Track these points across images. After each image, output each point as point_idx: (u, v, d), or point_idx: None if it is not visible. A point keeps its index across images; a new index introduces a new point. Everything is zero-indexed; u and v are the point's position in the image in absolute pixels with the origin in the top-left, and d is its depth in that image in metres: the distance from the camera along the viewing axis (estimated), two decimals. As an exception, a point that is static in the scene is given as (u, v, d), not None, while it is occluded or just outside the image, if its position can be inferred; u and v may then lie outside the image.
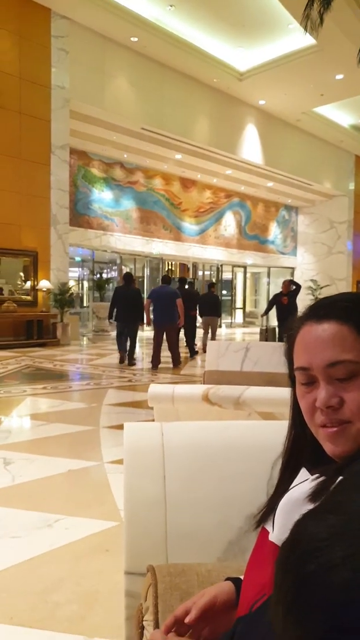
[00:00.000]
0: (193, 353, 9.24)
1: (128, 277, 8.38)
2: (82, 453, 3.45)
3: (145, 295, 10.95)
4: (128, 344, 8.14)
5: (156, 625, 0.81)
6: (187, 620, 0.71)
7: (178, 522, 1.01)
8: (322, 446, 0.66)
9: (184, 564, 0.92)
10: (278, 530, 0.68)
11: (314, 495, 0.63)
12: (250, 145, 16.12)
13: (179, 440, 1.09)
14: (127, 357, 8.06)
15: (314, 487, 0.64)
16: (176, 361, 7.90)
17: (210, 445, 1.08)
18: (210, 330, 10.07)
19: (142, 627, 0.85)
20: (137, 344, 8.64)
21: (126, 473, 1.06)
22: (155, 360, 7.70)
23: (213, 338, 9.87)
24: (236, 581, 0.76)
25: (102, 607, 1.72)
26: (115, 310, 8.04)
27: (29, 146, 10.59)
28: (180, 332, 8.57)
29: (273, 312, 9.69)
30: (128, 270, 16.73)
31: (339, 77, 13.44)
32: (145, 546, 1.00)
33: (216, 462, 1.05)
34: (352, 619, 0.33)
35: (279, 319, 9.64)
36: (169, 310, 7.69)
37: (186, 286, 9.62)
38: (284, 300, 9.18)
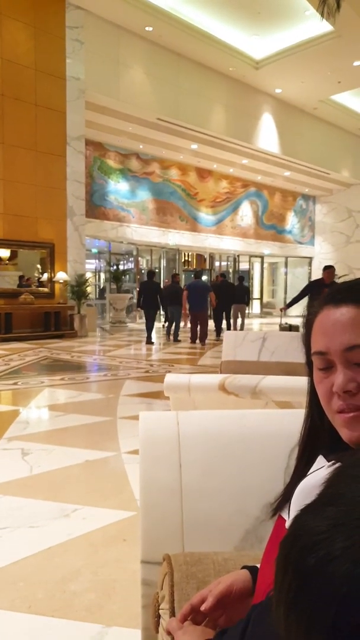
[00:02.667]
0: (219, 333, 11.01)
1: (151, 274, 10.13)
2: (99, 443, 3.47)
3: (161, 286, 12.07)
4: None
5: (172, 614, 0.80)
6: (203, 608, 0.71)
7: (194, 511, 0.99)
8: (339, 433, 0.65)
9: (200, 553, 0.90)
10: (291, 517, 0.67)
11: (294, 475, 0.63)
12: (267, 135, 15.91)
13: (194, 429, 1.08)
14: (150, 335, 9.90)
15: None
16: (203, 338, 10.01)
17: (227, 434, 1.06)
18: (240, 315, 12.00)
19: (159, 616, 0.84)
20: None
21: (142, 462, 1.05)
22: (194, 336, 10.03)
23: (243, 322, 12.09)
24: (253, 569, 0.76)
25: (120, 596, 1.72)
26: (142, 299, 9.83)
27: (45, 138, 10.62)
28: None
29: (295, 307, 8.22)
30: (145, 260, 16.80)
31: (357, 63, 13.13)
32: (162, 535, 0.99)
33: (233, 450, 1.03)
34: (355, 611, 0.32)
35: None
36: (202, 300, 9.84)
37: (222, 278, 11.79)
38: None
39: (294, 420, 1.09)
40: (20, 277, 10.84)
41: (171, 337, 10.43)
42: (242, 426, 1.07)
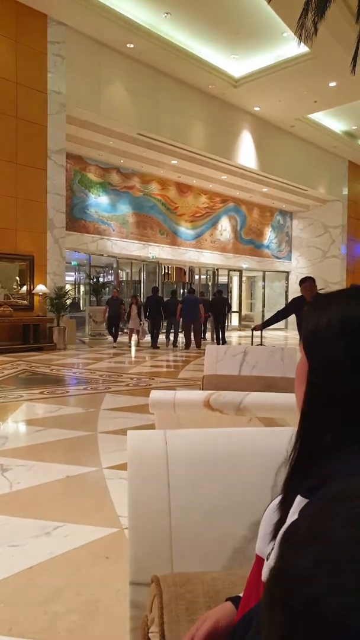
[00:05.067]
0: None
1: (155, 289, 12.44)
2: (80, 459, 3.43)
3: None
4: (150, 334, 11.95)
5: (162, 637, 0.81)
6: None
7: (183, 531, 1.00)
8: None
9: (189, 573, 0.91)
10: (259, 541, 0.69)
11: (281, 505, 0.63)
12: (246, 151, 16.20)
13: (182, 447, 1.09)
14: (154, 341, 11.80)
15: (281, 499, 0.64)
16: (198, 343, 11.71)
17: (214, 452, 1.08)
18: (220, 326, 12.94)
19: (148, 639, 0.84)
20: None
21: (130, 481, 1.05)
22: (188, 343, 11.66)
23: (224, 330, 12.93)
24: (237, 600, 0.76)
25: (104, 617, 1.70)
26: (148, 311, 11.93)
27: (26, 151, 10.60)
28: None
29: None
30: (125, 273, 16.84)
31: (332, 84, 13.55)
32: (150, 556, 0.99)
33: (220, 469, 1.05)
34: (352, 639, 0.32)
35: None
36: (194, 311, 11.53)
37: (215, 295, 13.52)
38: None
39: (280, 438, 1.11)
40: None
41: (170, 344, 12.41)
42: (229, 445, 1.08)
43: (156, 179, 16.35)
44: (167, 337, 12.55)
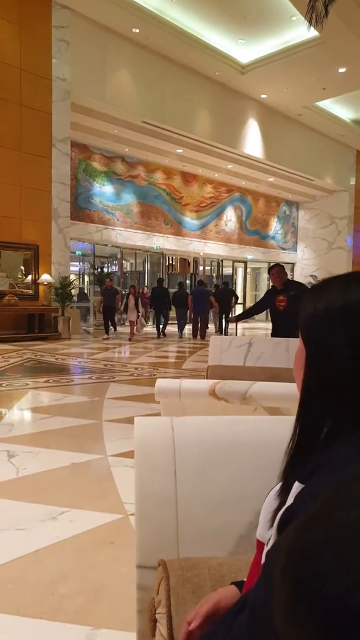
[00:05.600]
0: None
1: (160, 281, 12.97)
2: (85, 446, 3.46)
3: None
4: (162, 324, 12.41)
5: (169, 619, 0.82)
6: (190, 627, 0.73)
7: (189, 517, 1.02)
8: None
9: (195, 558, 0.93)
10: (260, 527, 0.70)
11: (281, 491, 0.64)
12: (252, 140, 16.07)
13: (189, 435, 1.10)
14: (162, 331, 12.37)
15: (281, 485, 0.65)
16: (203, 334, 12.12)
17: (221, 440, 1.09)
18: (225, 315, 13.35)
19: (155, 620, 0.86)
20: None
21: (137, 467, 1.07)
22: (195, 333, 12.24)
23: (227, 321, 13.15)
24: (241, 584, 0.77)
25: (109, 599, 1.73)
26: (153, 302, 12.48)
27: (30, 139, 10.55)
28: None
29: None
30: (130, 263, 16.83)
31: (342, 70, 13.37)
32: (157, 540, 1.01)
33: (227, 457, 1.06)
34: (350, 618, 0.33)
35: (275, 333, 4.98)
36: (203, 303, 12.05)
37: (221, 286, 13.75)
38: (280, 303, 4.77)
39: (286, 427, 1.12)
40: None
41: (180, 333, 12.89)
42: (236, 433, 1.10)
43: (161, 168, 16.27)
44: (179, 329, 12.87)
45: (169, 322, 12.92)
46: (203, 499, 1.03)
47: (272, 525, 0.63)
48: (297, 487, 0.60)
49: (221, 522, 1.01)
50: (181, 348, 10.10)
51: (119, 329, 12.70)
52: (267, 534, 0.66)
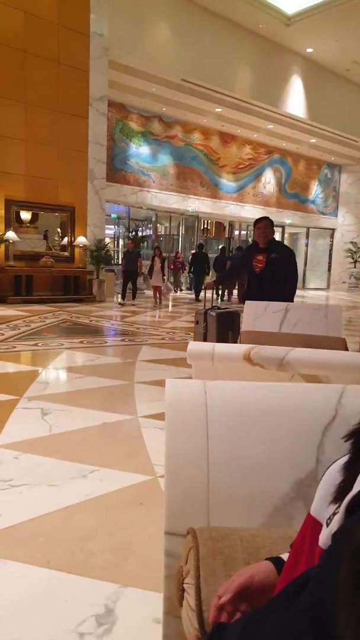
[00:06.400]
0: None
1: (200, 246, 13.32)
2: (116, 406, 3.49)
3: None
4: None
5: (197, 589, 0.79)
6: (221, 601, 0.70)
7: (221, 484, 0.97)
8: None
9: (226, 528, 0.88)
10: (317, 502, 0.64)
11: (347, 466, 0.58)
12: (294, 98, 15.31)
13: (222, 399, 1.04)
14: (197, 295, 12.64)
15: (348, 458, 0.59)
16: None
17: (257, 405, 1.02)
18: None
19: (183, 590, 0.82)
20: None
21: (168, 430, 1.02)
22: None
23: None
24: (276, 561, 0.73)
25: (136, 558, 1.74)
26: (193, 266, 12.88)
27: (67, 98, 10.36)
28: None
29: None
30: (164, 227, 16.67)
31: None
32: (186, 507, 0.97)
33: (263, 423, 0.99)
34: None
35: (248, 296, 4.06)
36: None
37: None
38: (258, 264, 4.08)
39: (327, 395, 1.04)
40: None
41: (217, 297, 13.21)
42: (274, 399, 1.02)
43: (199, 128, 15.78)
44: (217, 294, 13.12)
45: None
46: (236, 466, 0.98)
47: (333, 502, 0.56)
48: None
49: (255, 491, 0.96)
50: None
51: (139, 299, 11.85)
52: (325, 512, 0.60)
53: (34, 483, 2.28)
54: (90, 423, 3.12)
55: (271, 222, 4.13)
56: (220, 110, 14.40)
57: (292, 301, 3.88)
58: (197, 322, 4.30)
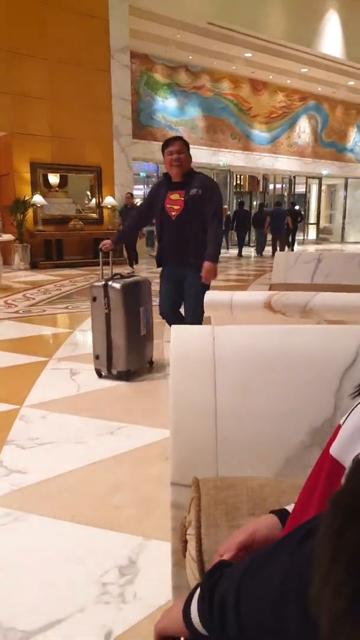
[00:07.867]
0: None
1: (241, 204, 13.87)
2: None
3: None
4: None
5: (198, 540, 0.73)
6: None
7: (230, 434, 0.90)
8: None
9: (233, 478, 0.82)
10: (339, 442, 0.56)
11: None
12: (330, 37, 14.27)
13: (232, 344, 0.95)
14: (240, 251, 13.31)
15: None
16: (282, 250, 12.31)
17: (269, 350, 0.93)
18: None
19: (186, 541, 0.77)
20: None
21: (173, 379, 0.95)
22: (275, 251, 11.81)
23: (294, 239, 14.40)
24: (281, 514, 0.67)
25: (158, 513, 1.72)
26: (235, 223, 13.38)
27: (88, 51, 9.99)
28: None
29: None
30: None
31: None
32: (194, 458, 0.91)
33: (276, 369, 0.91)
34: None
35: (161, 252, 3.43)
36: (281, 223, 12.56)
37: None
38: (174, 206, 3.06)
39: (349, 337, 0.94)
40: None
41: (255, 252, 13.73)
42: (287, 342, 0.93)
43: (227, 76, 15.04)
44: (257, 249, 13.65)
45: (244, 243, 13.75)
46: (246, 415, 0.90)
47: None
48: None
49: (266, 441, 0.88)
50: (255, 268, 9.77)
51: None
52: (351, 455, 0.52)
53: (61, 441, 2.30)
54: (118, 382, 3.12)
55: (186, 143, 2.96)
56: (250, 55, 13.61)
57: (218, 254, 2.96)
58: (94, 299, 3.16)
